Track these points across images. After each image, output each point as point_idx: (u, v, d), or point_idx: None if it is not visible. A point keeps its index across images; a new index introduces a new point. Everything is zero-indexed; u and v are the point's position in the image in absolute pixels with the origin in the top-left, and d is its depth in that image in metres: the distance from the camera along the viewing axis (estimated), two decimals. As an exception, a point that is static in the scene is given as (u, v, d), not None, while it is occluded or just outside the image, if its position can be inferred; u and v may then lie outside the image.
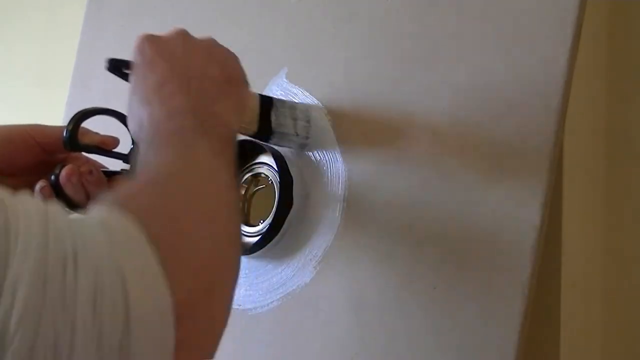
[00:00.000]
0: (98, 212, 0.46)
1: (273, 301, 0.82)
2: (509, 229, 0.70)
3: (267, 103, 0.77)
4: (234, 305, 0.84)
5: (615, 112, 0.89)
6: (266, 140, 0.79)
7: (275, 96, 0.81)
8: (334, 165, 0.81)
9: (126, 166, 0.72)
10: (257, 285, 0.83)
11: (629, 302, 0.87)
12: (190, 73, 0.63)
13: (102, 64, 1.06)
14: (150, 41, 0.64)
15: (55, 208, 0.45)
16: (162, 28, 1.00)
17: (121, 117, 0.71)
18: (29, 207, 0.43)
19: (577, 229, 0.84)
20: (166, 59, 0.63)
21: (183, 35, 0.66)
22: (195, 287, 0.47)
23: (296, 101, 0.84)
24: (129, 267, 0.43)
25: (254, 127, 0.77)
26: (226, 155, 0.59)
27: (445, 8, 0.78)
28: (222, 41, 0.93)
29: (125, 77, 0.67)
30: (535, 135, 0.71)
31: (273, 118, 0.78)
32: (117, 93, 1.03)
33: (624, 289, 0.88)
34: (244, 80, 0.69)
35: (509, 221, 0.70)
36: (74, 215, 0.46)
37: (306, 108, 0.82)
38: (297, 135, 0.80)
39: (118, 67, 0.69)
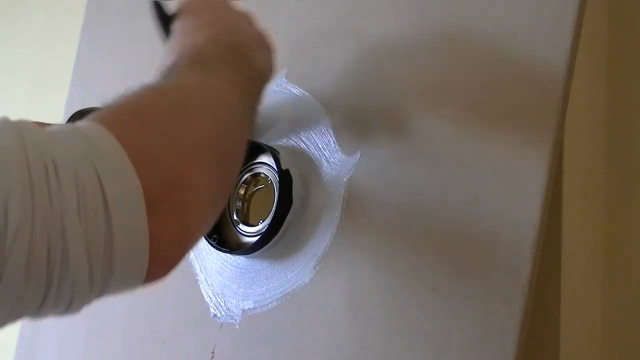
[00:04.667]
0: (76, 124, 0.49)
1: (272, 301, 0.81)
2: (509, 229, 0.70)
3: None
4: (234, 306, 0.84)
5: (615, 112, 0.89)
6: None
7: None
8: (333, 165, 0.81)
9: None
10: (256, 285, 0.83)
11: (628, 300, 0.87)
12: (233, 23, 0.69)
13: (102, 64, 1.06)
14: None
15: (27, 122, 0.47)
16: (162, 28, 1.00)
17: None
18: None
19: (577, 228, 0.84)
20: (212, 11, 0.70)
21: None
22: (166, 185, 0.49)
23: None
24: (103, 169, 0.46)
25: None
26: (246, 93, 0.63)
27: (445, 8, 0.78)
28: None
29: (163, 24, 0.73)
30: (535, 135, 0.70)
31: None
32: (116, 93, 1.04)
33: (624, 288, 0.87)
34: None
35: (509, 221, 0.70)
36: (49, 127, 0.48)
37: None
38: None
39: (161, 17, 0.73)
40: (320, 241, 0.79)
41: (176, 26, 0.69)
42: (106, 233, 0.45)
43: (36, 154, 0.44)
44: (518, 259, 0.69)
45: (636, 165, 0.88)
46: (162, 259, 0.49)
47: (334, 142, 0.81)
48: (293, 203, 0.81)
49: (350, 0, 0.84)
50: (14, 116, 0.72)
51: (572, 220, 0.82)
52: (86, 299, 0.47)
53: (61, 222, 0.43)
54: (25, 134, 0.45)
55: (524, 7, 0.74)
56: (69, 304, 0.46)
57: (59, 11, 1.51)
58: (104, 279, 0.46)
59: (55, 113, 1.05)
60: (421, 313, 0.73)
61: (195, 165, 0.52)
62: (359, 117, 0.81)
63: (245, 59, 0.66)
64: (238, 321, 0.83)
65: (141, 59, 1.01)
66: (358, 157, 0.80)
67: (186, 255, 0.53)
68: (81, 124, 0.49)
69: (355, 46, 0.83)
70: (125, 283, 0.48)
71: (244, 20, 0.71)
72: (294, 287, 0.80)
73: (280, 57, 0.88)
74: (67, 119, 0.68)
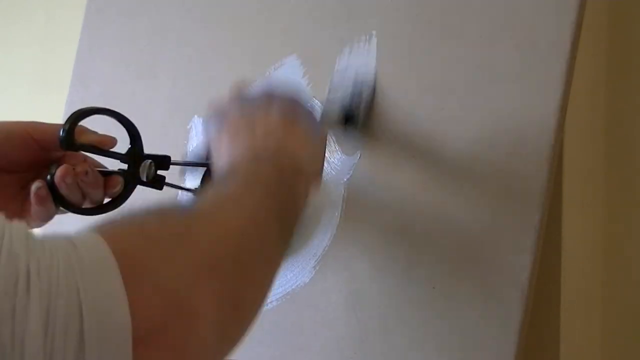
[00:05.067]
0: (74, 234, 0.44)
1: (272, 301, 0.81)
2: (509, 229, 0.70)
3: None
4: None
5: (615, 112, 0.89)
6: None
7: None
8: (333, 165, 0.81)
9: (123, 166, 0.72)
10: (256, 285, 0.83)
11: (628, 300, 0.87)
12: (254, 122, 0.68)
13: (102, 64, 1.06)
14: (213, 120, 0.71)
15: (16, 227, 0.42)
16: (162, 28, 1.00)
17: (119, 117, 0.71)
18: None
19: (577, 228, 0.84)
20: (231, 129, 0.69)
21: (236, 100, 0.72)
22: (165, 312, 0.44)
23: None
24: (88, 290, 0.41)
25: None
26: (281, 194, 0.62)
27: (445, 7, 0.78)
28: (222, 42, 0.94)
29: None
30: (535, 135, 0.70)
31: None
32: (116, 93, 1.04)
33: (624, 288, 0.87)
34: (307, 117, 0.72)
35: (509, 221, 0.70)
36: (37, 235, 0.43)
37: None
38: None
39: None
40: (320, 241, 0.79)
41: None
42: None
43: (9, 266, 0.40)
44: (518, 259, 0.69)
45: (636, 166, 0.88)
46: None
47: (333, 142, 0.81)
48: (293, 203, 0.81)
49: (350, 0, 0.84)
50: (14, 116, 0.71)
51: (572, 220, 0.82)
52: None
53: (21, 348, 0.39)
54: (5, 243, 0.41)
55: (524, 7, 0.74)
56: None
57: (59, 11, 1.50)
58: None
59: (55, 113, 1.05)
60: (421, 313, 0.73)
61: (210, 298, 0.47)
62: (358, 117, 0.81)
63: (277, 152, 0.65)
64: (238, 321, 0.83)
65: (141, 59, 1.01)
66: (358, 157, 0.80)
67: None
68: (80, 235, 0.44)
69: (355, 46, 0.83)
70: None
71: (262, 111, 0.69)
72: (293, 287, 0.80)
73: (280, 57, 0.88)
74: (66, 118, 0.68)
